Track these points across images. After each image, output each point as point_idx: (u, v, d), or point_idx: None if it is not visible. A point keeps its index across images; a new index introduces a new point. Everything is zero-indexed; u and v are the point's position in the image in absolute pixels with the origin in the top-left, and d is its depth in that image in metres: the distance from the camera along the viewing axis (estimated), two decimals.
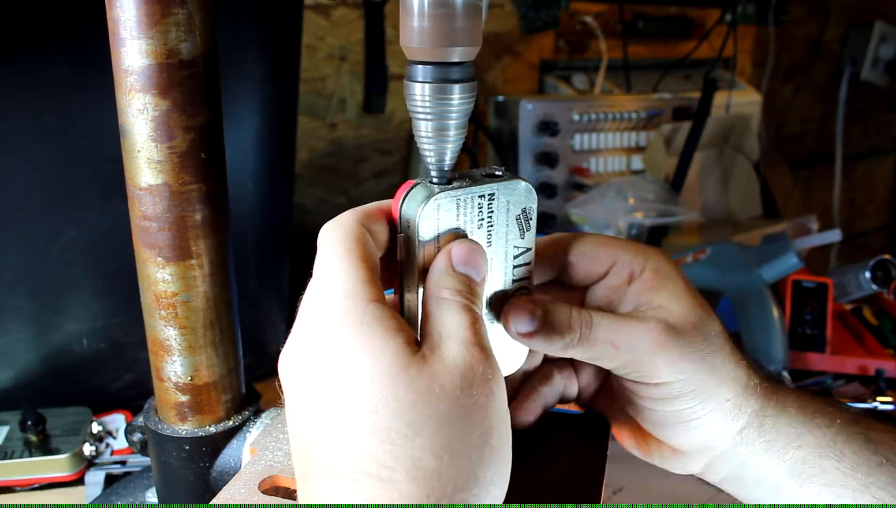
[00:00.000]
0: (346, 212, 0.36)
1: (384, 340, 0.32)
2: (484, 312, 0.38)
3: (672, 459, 0.44)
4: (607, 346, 0.39)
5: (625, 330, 0.39)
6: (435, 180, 0.37)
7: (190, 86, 0.45)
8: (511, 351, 0.41)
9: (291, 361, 0.34)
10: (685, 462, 0.44)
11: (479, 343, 0.34)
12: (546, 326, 0.39)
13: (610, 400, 0.46)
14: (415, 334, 0.35)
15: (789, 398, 0.42)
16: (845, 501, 0.39)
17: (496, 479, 0.33)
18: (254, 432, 0.52)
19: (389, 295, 0.38)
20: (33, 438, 0.69)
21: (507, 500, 0.38)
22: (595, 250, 0.42)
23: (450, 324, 0.35)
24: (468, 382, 0.33)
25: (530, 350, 0.42)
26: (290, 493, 0.46)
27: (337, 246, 0.34)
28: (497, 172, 0.39)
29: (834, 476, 0.40)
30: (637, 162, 1.30)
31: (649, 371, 0.39)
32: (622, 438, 0.46)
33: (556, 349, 0.39)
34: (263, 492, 0.44)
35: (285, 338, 0.35)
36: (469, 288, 0.36)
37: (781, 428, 0.41)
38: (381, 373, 0.32)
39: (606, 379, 0.46)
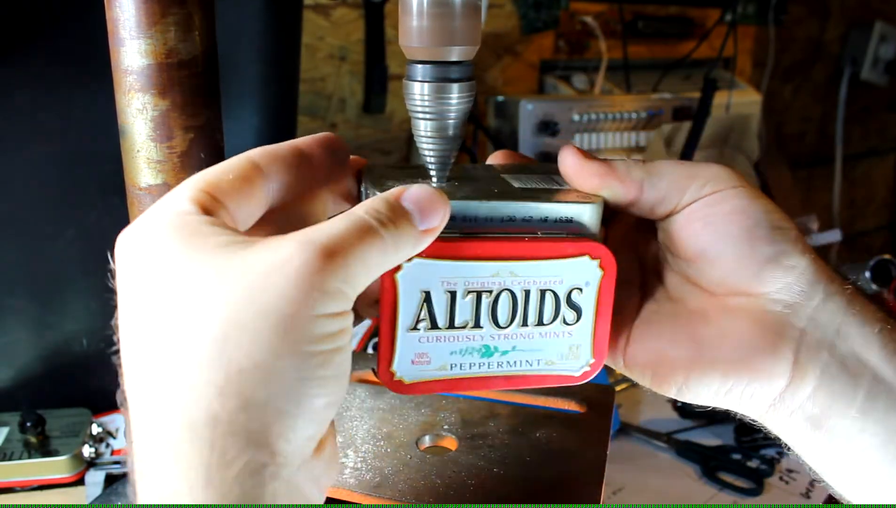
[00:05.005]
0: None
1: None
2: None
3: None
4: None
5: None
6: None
7: (189, 86, 0.45)
8: None
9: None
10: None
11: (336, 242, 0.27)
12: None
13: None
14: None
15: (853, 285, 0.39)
16: None
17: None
18: None
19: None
20: (33, 439, 0.69)
21: (507, 500, 0.38)
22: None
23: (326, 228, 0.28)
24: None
25: None
26: None
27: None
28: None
29: None
30: None
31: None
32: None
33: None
34: None
35: None
36: (397, 220, 0.30)
37: (866, 303, 0.38)
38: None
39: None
